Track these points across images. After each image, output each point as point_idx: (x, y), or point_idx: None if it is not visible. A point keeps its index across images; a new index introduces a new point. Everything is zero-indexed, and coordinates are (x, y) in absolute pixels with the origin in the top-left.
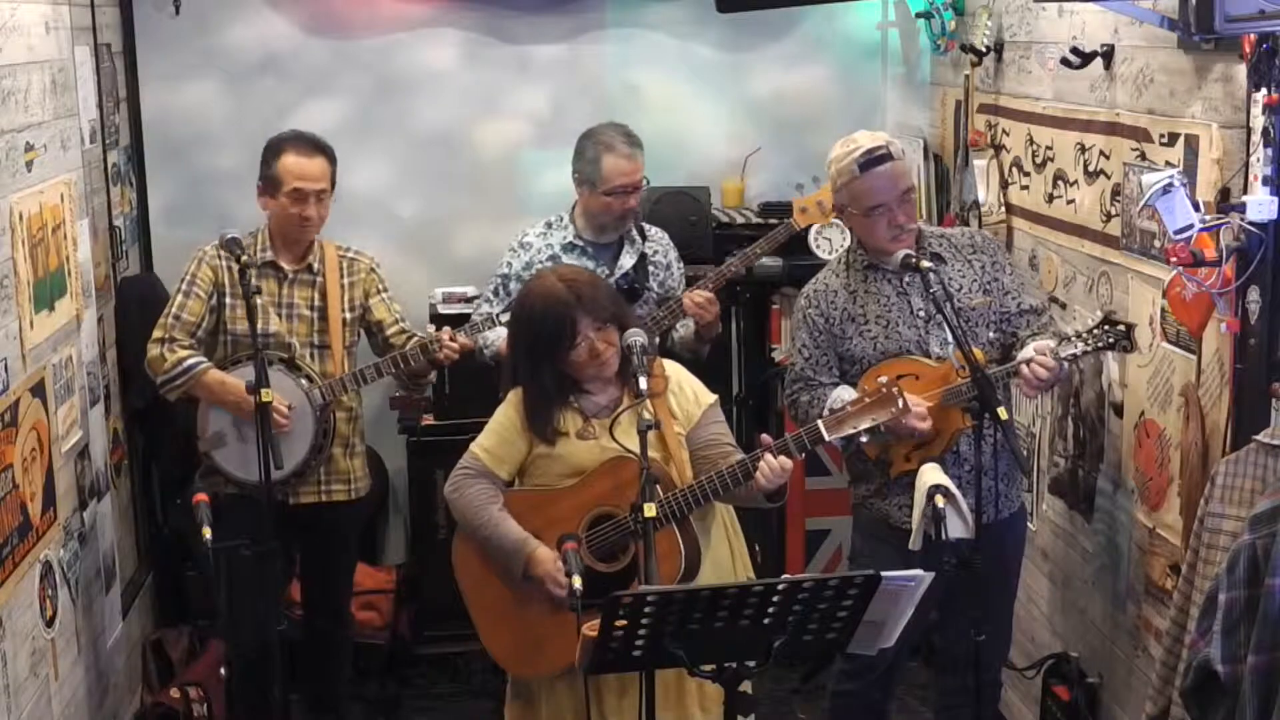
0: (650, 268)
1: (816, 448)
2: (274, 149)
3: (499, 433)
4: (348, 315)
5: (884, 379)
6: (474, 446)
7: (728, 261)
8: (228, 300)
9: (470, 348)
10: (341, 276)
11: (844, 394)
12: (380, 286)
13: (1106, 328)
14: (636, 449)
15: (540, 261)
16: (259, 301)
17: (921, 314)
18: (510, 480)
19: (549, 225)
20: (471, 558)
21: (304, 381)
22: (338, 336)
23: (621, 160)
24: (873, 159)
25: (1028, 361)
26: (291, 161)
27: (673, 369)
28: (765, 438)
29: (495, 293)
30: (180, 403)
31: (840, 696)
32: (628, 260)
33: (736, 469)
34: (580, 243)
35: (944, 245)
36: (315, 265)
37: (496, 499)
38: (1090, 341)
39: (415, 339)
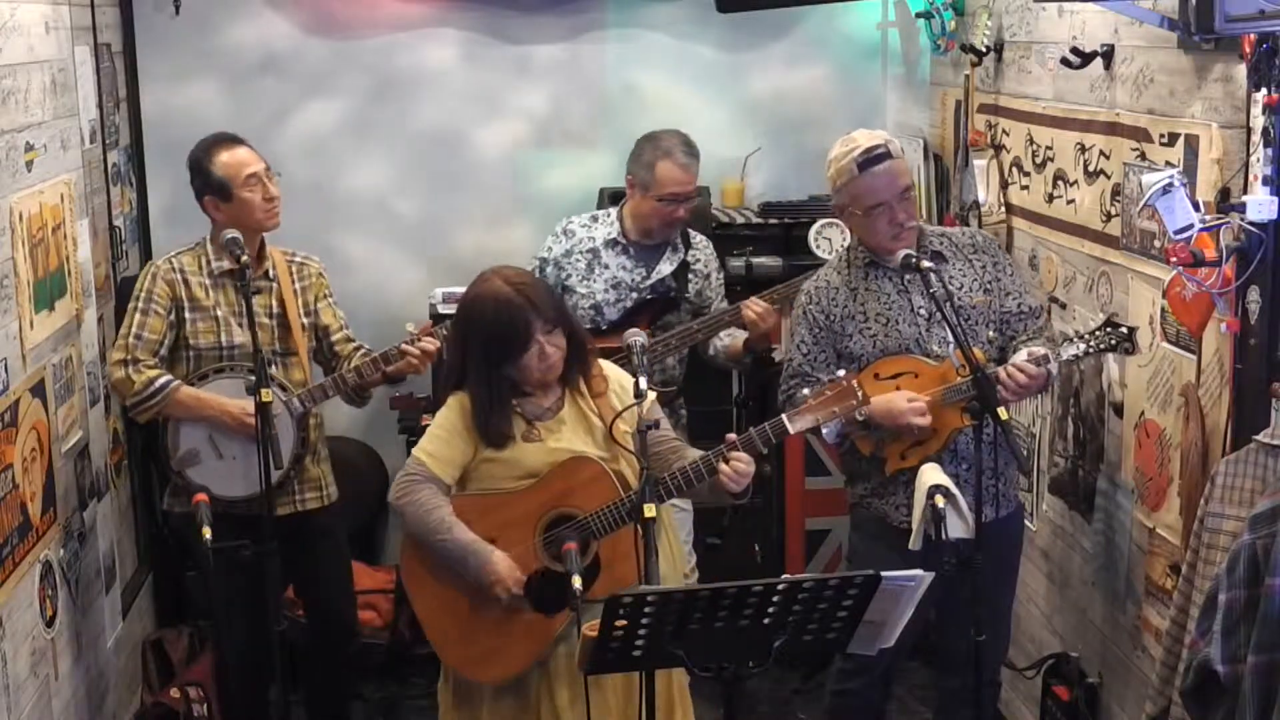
0: (690, 276)
1: (783, 439)
2: (204, 156)
3: (442, 437)
4: (305, 320)
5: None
6: (417, 451)
7: (790, 282)
8: (187, 315)
9: (434, 354)
10: (293, 281)
11: None
12: (327, 291)
13: (1109, 330)
14: (583, 451)
15: (581, 251)
16: (219, 315)
17: (922, 312)
18: (453, 483)
19: (594, 218)
20: (420, 564)
21: (279, 391)
22: (300, 342)
23: (677, 169)
24: (871, 158)
25: (1006, 366)
26: (228, 157)
27: (610, 369)
28: (731, 436)
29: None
30: None
31: (839, 696)
32: (667, 267)
33: (700, 465)
34: (624, 241)
35: (945, 244)
36: (270, 271)
37: (445, 504)
38: (1092, 343)
39: (363, 349)
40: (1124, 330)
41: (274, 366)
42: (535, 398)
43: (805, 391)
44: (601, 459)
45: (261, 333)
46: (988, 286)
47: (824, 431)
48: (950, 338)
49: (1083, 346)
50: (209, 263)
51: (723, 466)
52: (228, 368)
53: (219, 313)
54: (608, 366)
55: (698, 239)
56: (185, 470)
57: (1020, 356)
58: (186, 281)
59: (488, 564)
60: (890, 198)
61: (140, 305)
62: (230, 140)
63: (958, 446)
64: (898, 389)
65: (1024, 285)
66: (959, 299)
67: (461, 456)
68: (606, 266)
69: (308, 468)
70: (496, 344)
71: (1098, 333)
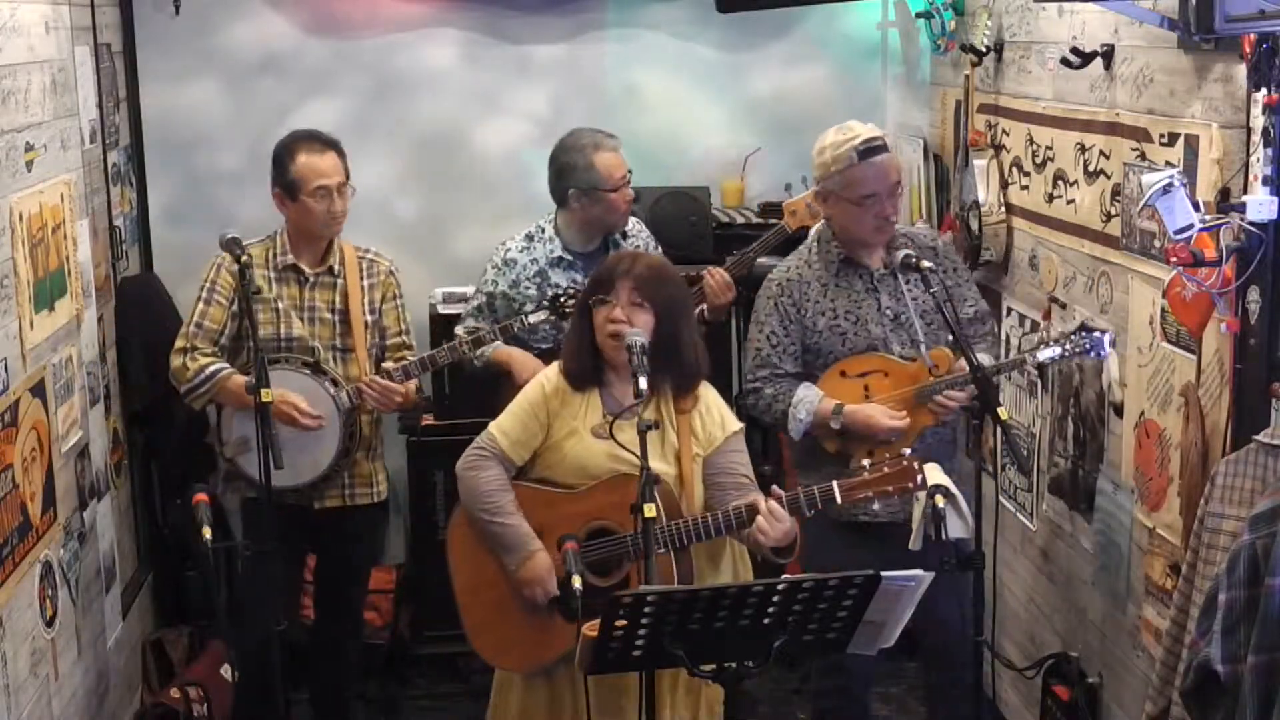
0: None
1: (825, 503)
2: (286, 152)
3: (519, 416)
4: (369, 318)
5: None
6: (492, 427)
7: (738, 255)
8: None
9: (400, 397)
10: (362, 278)
11: (808, 394)
12: (396, 292)
13: (1084, 334)
14: (638, 449)
15: (528, 278)
16: (280, 307)
17: (889, 313)
18: (522, 464)
19: (530, 238)
20: (466, 539)
21: (330, 385)
22: (360, 339)
23: (612, 154)
24: (871, 148)
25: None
26: (307, 161)
27: (705, 391)
28: (776, 489)
29: (480, 310)
30: (181, 404)
31: (824, 694)
32: None
33: (744, 512)
34: (569, 256)
35: (908, 245)
36: (336, 267)
37: (509, 489)
38: (1067, 347)
39: (408, 359)
40: (1098, 335)
41: (332, 361)
42: (616, 392)
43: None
44: (664, 475)
45: (322, 329)
46: (946, 291)
47: (790, 428)
48: (918, 338)
49: (1058, 350)
50: (275, 256)
51: (759, 520)
52: (284, 359)
53: (280, 305)
54: (704, 387)
55: (630, 225)
56: (237, 458)
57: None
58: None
59: (528, 563)
60: (882, 190)
61: (203, 295)
62: (319, 144)
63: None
64: (865, 388)
65: (976, 292)
66: (922, 302)
67: (534, 439)
68: (557, 285)
69: (359, 462)
70: (590, 284)
71: (1073, 336)
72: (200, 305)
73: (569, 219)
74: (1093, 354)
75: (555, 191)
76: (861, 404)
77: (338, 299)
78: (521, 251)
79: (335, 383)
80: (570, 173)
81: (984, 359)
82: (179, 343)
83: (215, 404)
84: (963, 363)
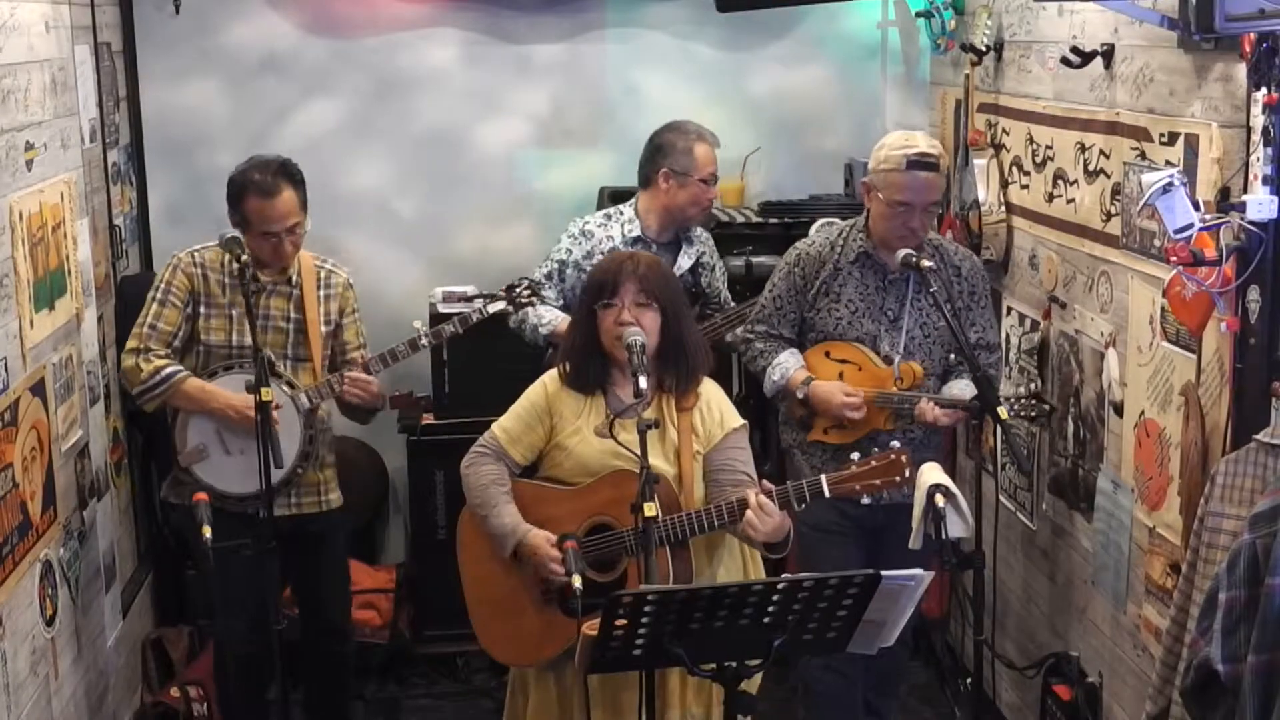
0: (700, 268)
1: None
2: (236, 191)
3: (522, 416)
4: (324, 328)
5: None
6: (495, 426)
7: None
8: (202, 310)
9: (374, 393)
10: (318, 288)
11: (789, 360)
12: (354, 306)
13: (1035, 402)
14: (638, 448)
15: (601, 252)
16: (234, 314)
17: (889, 314)
18: (525, 463)
19: (608, 217)
20: (473, 537)
21: (286, 387)
22: (317, 348)
23: (711, 149)
24: (922, 162)
25: (925, 400)
26: (255, 206)
27: (708, 388)
28: (766, 484)
29: (549, 277)
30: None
31: (811, 667)
32: (686, 262)
33: (736, 506)
34: (646, 240)
35: (935, 257)
36: (294, 276)
37: (504, 483)
38: (1017, 406)
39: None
40: (1046, 407)
41: (285, 369)
42: (620, 393)
43: (791, 363)
44: (663, 473)
45: (276, 336)
46: (956, 312)
47: (765, 385)
48: (901, 344)
49: (1008, 408)
50: (231, 262)
51: (748, 514)
52: (236, 365)
53: (234, 312)
54: (707, 383)
55: (698, 232)
56: (193, 466)
57: (955, 388)
58: (206, 277)
59: (523, 545)
60: (917, 203)
61: (158, 296)
62: (271, 184)
63: (874, 440)
64: (841, 375)
65: (990, 321)
66: (926, 314)
67: (536, 438)
68: None
69: (306, 473)
70: (591, 289)
71: (1025, 400)
72: (154, 306)
73: (651, 202)
74: (1041, 422)
75: (645, 168)
76: (830, 381)
77: (292, 308)
78: (599, 227)
79: (291, 384)
80: (669, 152)
81: (964, 385)
82: (131, 343)
83: (170, 409)
84: (966, 386)
